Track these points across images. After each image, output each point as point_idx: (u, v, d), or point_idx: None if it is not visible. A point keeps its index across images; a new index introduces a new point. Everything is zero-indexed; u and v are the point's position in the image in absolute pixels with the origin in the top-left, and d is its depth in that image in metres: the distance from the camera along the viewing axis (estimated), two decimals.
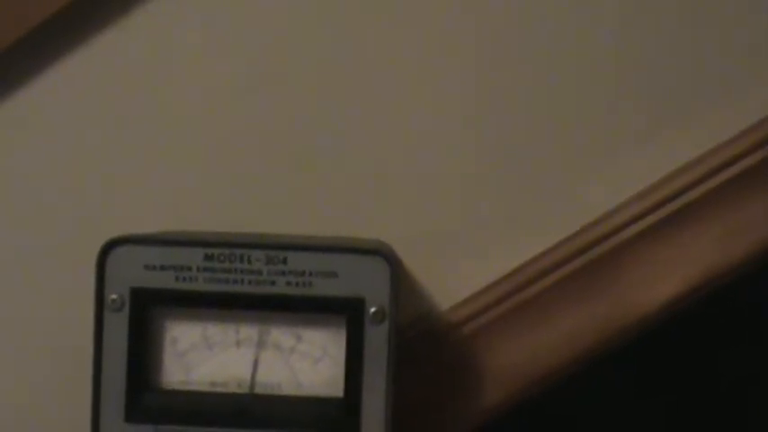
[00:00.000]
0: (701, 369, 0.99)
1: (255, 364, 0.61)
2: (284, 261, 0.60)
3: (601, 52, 0.73)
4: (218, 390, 0.61)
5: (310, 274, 0.59)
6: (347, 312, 0.59)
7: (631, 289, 0.72)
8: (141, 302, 0.60)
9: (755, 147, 0.72)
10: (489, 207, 0.74)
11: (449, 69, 0.74)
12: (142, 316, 0.60)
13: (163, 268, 0.60)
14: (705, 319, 0.91)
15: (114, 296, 0.60)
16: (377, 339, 0.59)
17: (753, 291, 0.90)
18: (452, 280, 0.74)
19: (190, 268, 0.60)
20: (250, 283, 0.60)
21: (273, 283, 0.60)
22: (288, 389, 0.61)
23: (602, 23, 0.73)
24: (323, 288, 0.59)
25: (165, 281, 0.60)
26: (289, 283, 0.60)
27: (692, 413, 0.99)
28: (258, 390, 0.61)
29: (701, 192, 0.72)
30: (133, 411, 0.60)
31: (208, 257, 0.60)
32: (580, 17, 0.73)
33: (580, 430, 0.99)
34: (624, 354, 0.74)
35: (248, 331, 0.61)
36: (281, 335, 0.60)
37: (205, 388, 0.61)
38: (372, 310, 0.59)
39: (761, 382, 0.98)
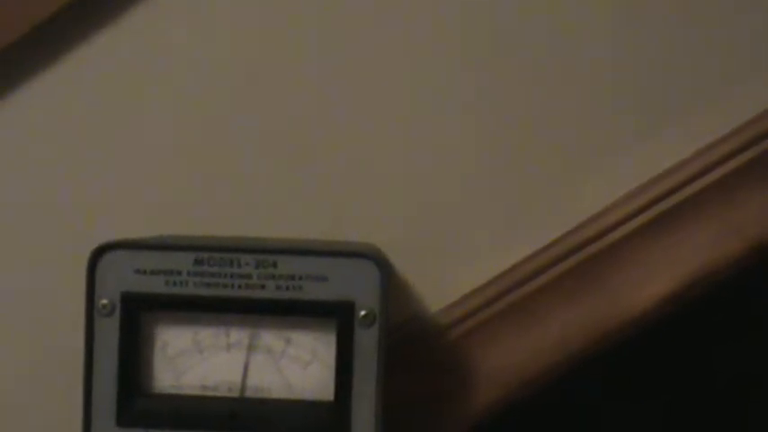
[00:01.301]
0: (696, 366, 0.99)
1: (246, 367, 0.61)
2: (274, 265, 0.60)
3: (594, 52, 0.73)
4: (209, 394, 0.61)
5: (300, 277, 0.60)
6: (337, 316, 0.60)
7: (624, 288, 0.73)
8: (132, 307, 0.60)
9: (748, 144, 0.72)
10: (479, 209, 0.74)
11: (443, 72, 0.74)
12: (133, 320, 0.60)
13: (153, 273, 0.60)
14: (700, 315, 0.91)
15: (105, 301, 0.60)
16: (367, 342, 0.59)
17: (748, 287, 0.90)
18: (443, 282, 0.74)
19: (180, 273, 0.60)
20: (240, 287, 0.60)
21: (263, 287, 0.60)
22: (278, 392, 0.61)
23: (598, 23, 0.73)
24: (313, 292, 0.60)
25: (156, 285, 0.60)
26: (279, 287, 0.60)
27: (689, 411, 0.98)
28: (249, 393, 0.61)
29: (693, 190, 0.73)
30: (124, 416, 0.60)
31: (198, 262, 0.60)
32: (576, 16, 0.73)
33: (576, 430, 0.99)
34: (619, 352, 0.74)
35: (238, 335, 0.61)
36: (271, 339, 0.61)
37: (196, 392, 0.61)
38: (362, 313, 0.59)
39: (758, 379, 0.98)
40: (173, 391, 0.61)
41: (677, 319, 0.75)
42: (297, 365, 0.61)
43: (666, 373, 0.98)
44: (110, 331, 0.60)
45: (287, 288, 0.60)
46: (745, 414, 0.99)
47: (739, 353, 0.99)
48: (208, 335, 0.61)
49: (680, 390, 0.98)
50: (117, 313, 0.60)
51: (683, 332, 0.93)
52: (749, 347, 0.98)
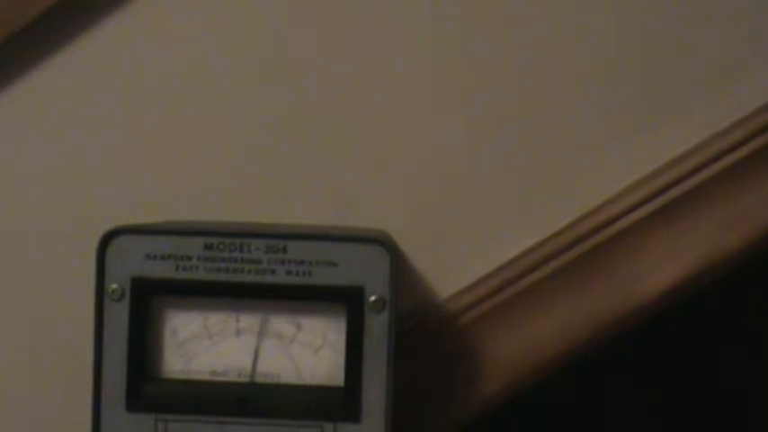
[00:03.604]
0: (701, 366, 0.99)
1: (256, 352, 0.61)
2: (284, 250, 0.60)
3: (598, 42, 0.73)
4: (219, 379, 0.61)
5: (310, 263, 0.60)
6: (347, 301, 0.60)
7: (628, 278, 0.73)
8: (142, 292, 0.60)
9: (751, 136, 0.72)
10: (488, 197, 0.74)
11: (448, 60, 0.74)
12: (143, 305, 0.60)
13: (163, 258, 0.60)
14: (705, 314, 0.91)
15: (115, 286, 0.60)
16: (377, 328, 0.59)
17: (753, 285, 0.90)
18: (451, 269, 0.74)
19: (190, 257, 0.60)
20: (250, 272, 0.60)
21: (273, 272, 0.60)
22: (288, 377, 0.61)
23: (601, 13, 0.73)
24: (323, 277, 0.60)
25: (166, 270, 0.60)
26: (289, 272, 0.60)
27: (693, 411, 0.98)
28: (258, 379, 0.61)
29: (697, 181, 0.73)
30: (134, 401, 0.60)
31: (208, 247, 0.60)
32: (579, 6, 0.73)
33: (579, 423, 0.99)
34: (625, 341, 0.74)
35: (248, 320, 0.61)
36: (281, 324, 0.61)
37: (206, 377, 0.61)
38: (372, 298, 0.59)
39: (762, 381, 0.98)
40: (182, 377, 0.61)
41: (683, 317, 0.76)
42: (307, 351, 0.61)
43: (671, 364, 0.98)
44: (119, 316, 0.60)
45: (297, 273, 0.60)
46: (748, 411, 0.99)
47: (744, 354, 0.99)
48: (218, 320, 0.61)
49: (684, 387, 0.98)
50: (127, 298, 0.60)
51: (689, 331, 0.94)
52: (753, 350, 0.98)
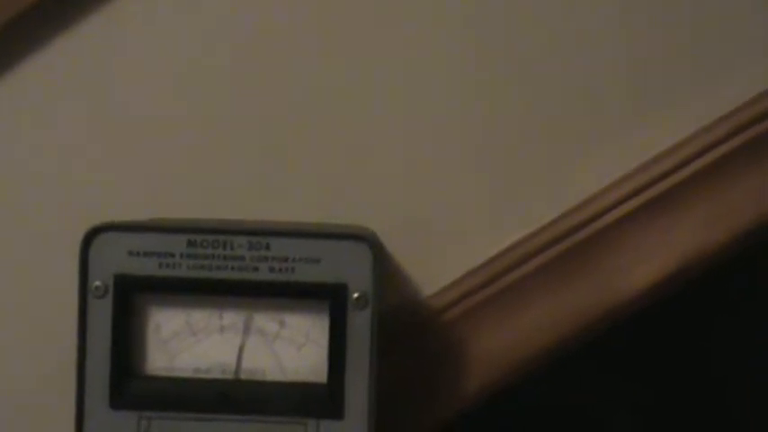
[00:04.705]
0: (688, 358, 0.99)
1: (240, 349, 0.61)
2: (267, 247, 0.60)
3: (585, 38, 0.74)
4: (203, 376, 0.61)
5: (293, 259, 0.60)
6: (330, 298, 0.60)
7: (613, 274, 0.73)
8: (125, 289, 0.60)
9: (735, 132, 0.73)
10: (471, 193, 0.74)
11: (437, 58, 0.74)
12: (126, 303, 0.60)
13: (146, 255, 0.60)
14: (692, 306, 0.91)
15: (98, 283, 0.60)
16: (360, 325, 0.60)
17: (740, 278, 0.90)
18: (435, 266, 0.74)
19: (173, 255, 0.60)
20: (233, 269, 0.60)
21: (256, 269, 0.60)
22: (272, 374, 0.61)
23: (589, 10, 0.73)
24: (306, 274, 0.60)
25: (149, 267, 0.60)
26: (272, 269, 0.60)
27: (677, 404, 0.99)
28: (242, 375, 0.61)
29: (681, 177, 0.73)
30: (118, 398, 0.60)
31: (191, 244, 0.60)
32: (568, 7, 0.73)
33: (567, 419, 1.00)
34: (610, 336, 0.74)
35: (232, 317, 0.61)
36: (264, 321, 0.61)
37: (189, 374, 0.61)
38: (355, 295, 0.59)
39: (746, 372, 0.99)
40: (166, 374, 0.61)
41: (670, 309, 0.76)
42: (290, 347, 0.61)
43: (658, 359, 0.98)
44: (103, 313, 0.60)
45: (280, 270, 0.60)
46: (729, 407, 0.99)
47: (731, 345, 0.99)
48: (201, 317, 0.61)
49: (670, 380, 0.99)
50: (110, 295, 0.60)
51: (674, 322, 0.94)
52: (742, 342, 0.99)
